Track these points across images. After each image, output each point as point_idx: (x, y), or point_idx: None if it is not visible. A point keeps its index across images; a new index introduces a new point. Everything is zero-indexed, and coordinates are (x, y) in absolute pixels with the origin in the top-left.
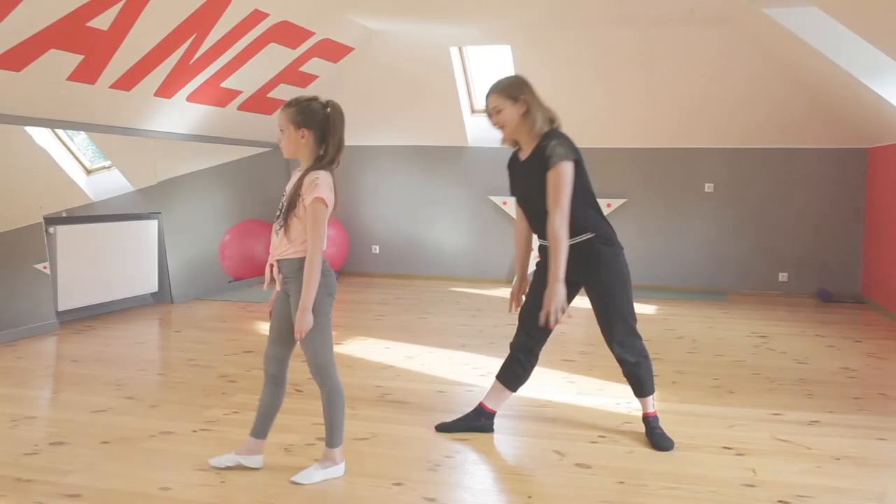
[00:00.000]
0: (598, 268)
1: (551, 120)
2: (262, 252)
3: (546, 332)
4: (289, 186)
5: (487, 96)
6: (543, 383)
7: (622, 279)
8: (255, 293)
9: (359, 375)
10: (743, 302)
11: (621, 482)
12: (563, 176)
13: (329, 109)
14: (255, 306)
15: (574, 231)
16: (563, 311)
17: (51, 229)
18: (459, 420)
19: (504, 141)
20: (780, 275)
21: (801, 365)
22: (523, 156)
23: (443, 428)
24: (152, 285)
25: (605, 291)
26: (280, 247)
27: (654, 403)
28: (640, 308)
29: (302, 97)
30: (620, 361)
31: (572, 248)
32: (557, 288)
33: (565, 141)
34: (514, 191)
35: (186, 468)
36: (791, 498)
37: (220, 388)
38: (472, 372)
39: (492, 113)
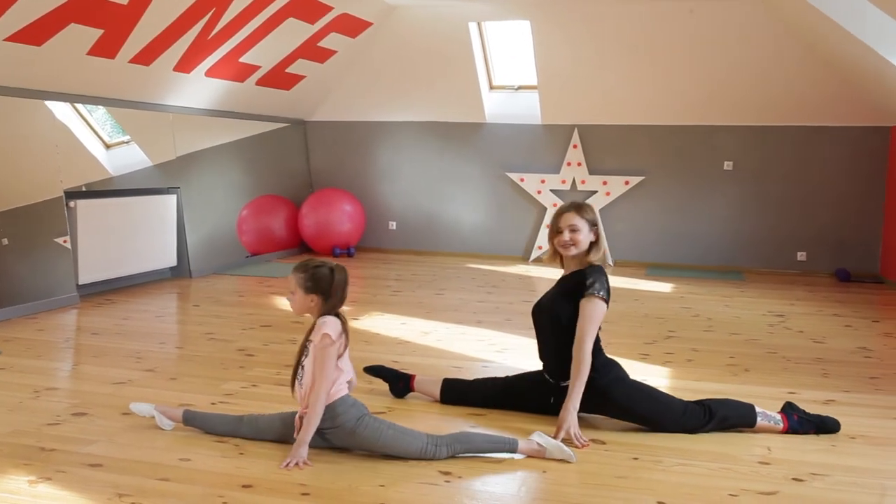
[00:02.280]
0: (609, 401)
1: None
2: (280, 227)
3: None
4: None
5: (566, 214)
6: None
7: (634, 389)
8: (273, 268)
9: (375, 350)
10: (760, 281)
11: (636, 458)
12: (598, 309)
13: (335, 275)
14: (272, 281)
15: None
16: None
17: (71, 203)
18: (391, 371)
19: (556, 259)
20: (799, 254)
21: (817, 344)
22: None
23: (371, 370)
24: (171, 259)
25: (633, 411)
26: (305, 397)
27: (774, 414)
28: (657, 286)
29: (310, 262)
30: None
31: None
32: (574, 415)
33: (607, 280)
34: (536, 307)
35: (206, 440)
36: (805, 476)
37: (238, 362)
38: (489, 348)
39: (564, 229)
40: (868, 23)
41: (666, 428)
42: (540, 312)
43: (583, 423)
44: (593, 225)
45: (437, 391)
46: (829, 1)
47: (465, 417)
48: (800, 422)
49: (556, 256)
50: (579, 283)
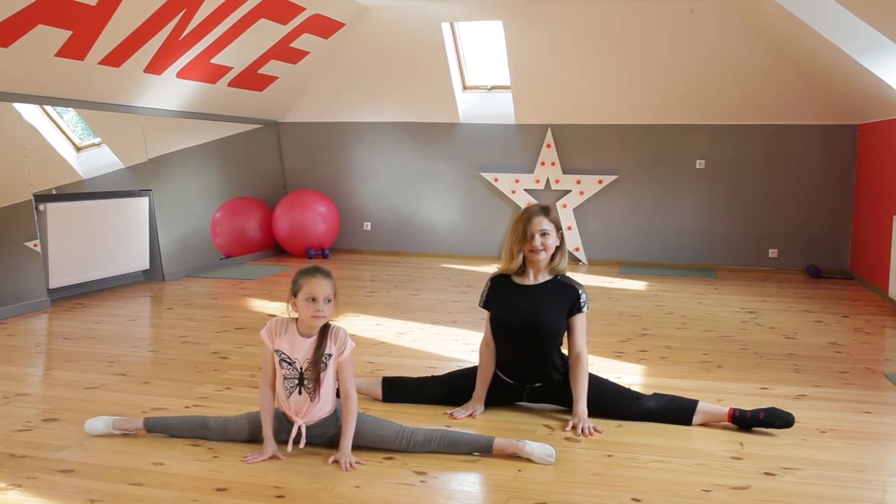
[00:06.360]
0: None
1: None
2: (254, 229)
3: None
4: (297, 351)
5: (535, 218)
6: None
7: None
8: (247, 270)
9: None
10: (733, 278)
11: (610, 455)
12: (585, 321)
13: None
14: (246, 283)
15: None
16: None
17: (41, 207)
18: None
19: (515, 265)
20: (770, 251)
21: (789, 340)
22: (527, 282)
23: None
24: (143, 262)
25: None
26: (312, 408)
27: (715, 405)
28: (631, 284)
29: (317, 266)
30: (649, 417)
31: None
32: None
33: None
34: (510, 315)
35: (179, 444)
36: (777, 470)
37: (212, 365)
38: (464, 348)
39: (536, 234)
40: (835, 23)
41: (622, 412)
42: (529, 327)
43: (560, 421)
44: (559, 228)
45: (377, 391)
46: (798, 1)
47: (432, 420)
48: (748, 413)
49: (516, 262)
50: (571, 298)
